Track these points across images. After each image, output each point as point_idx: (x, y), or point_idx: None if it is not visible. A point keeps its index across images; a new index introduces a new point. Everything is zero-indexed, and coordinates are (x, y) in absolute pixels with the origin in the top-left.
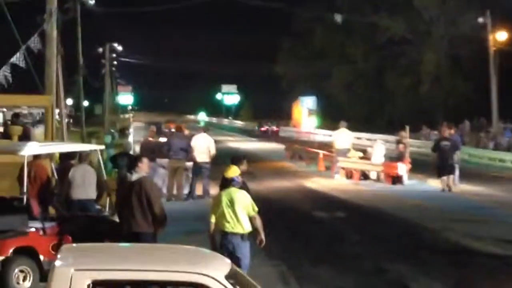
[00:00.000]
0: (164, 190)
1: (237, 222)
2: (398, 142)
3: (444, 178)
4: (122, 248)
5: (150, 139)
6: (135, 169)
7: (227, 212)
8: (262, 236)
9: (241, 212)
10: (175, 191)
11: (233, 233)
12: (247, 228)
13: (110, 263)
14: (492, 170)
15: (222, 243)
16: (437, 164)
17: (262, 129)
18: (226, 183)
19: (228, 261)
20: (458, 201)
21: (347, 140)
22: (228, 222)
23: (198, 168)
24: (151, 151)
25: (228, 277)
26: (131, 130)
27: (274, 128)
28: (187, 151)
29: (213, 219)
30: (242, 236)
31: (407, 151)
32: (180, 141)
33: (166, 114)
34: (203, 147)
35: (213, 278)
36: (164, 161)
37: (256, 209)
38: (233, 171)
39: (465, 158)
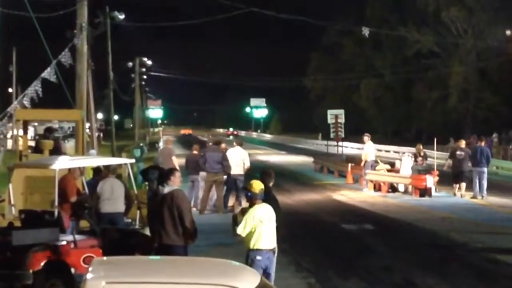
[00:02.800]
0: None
1: (273, 238)
2: (416, 155)
3: (456, 185)
4: (153, 261)
5: (195, 152)
6: (167, 182)
7: (268, 228)
8: None
9: (274, 228)
10: (211, 204)
11: (270, 250)
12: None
13: (141, 276)
14: None
15: (253, 259)
16: (452, 171)
17: (228, 132)
18: (263, 197)
19: (257, 273)
20: (485, 213)
21: (373, 152)
22: (268, 238)
23: (232, 181)
24: (196, 163)
25: None
26: (161, 144)
27: (234, 132)
28: (222, 164)
29: (244, 233)
30: (274, 250)
31: (425, 164)
32: (216, 154)
33: (195, 127)
34: (238, 160)
35: None
36: (202, 174)
37: None
38: (257, 186)
39: (493, 170)
